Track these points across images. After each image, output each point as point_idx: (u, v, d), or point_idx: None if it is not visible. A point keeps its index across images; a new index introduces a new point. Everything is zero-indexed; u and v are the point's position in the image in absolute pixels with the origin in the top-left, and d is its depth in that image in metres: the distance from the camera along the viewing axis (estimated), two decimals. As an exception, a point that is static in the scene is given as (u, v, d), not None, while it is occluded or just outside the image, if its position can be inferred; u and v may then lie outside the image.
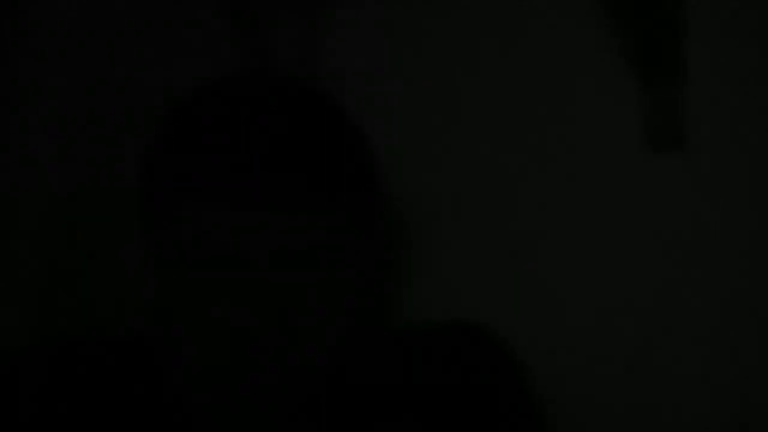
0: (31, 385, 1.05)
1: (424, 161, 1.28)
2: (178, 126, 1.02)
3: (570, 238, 1.25)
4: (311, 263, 0.99)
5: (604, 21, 1.24)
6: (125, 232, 1.26)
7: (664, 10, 1.20)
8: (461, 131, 1.28)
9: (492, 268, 1.26)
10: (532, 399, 1.11)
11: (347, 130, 1.02)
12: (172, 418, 1.05)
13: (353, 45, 1.31)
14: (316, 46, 1.31)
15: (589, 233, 1.25)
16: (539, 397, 1.12)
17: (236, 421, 1.01)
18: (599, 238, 1.24)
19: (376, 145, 1.05)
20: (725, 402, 1.21)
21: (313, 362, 1.00)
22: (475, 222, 1.27)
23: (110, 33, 1.36)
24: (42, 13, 1.35)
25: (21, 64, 1.35)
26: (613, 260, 1.24)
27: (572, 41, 1.25)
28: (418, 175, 1.28)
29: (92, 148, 1.35)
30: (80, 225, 1.34)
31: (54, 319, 1.33)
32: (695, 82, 1.22)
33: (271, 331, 0.97)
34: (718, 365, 1.21)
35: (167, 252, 1.00)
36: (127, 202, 1.11)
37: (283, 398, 1.00)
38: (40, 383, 1.05)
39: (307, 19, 1.31)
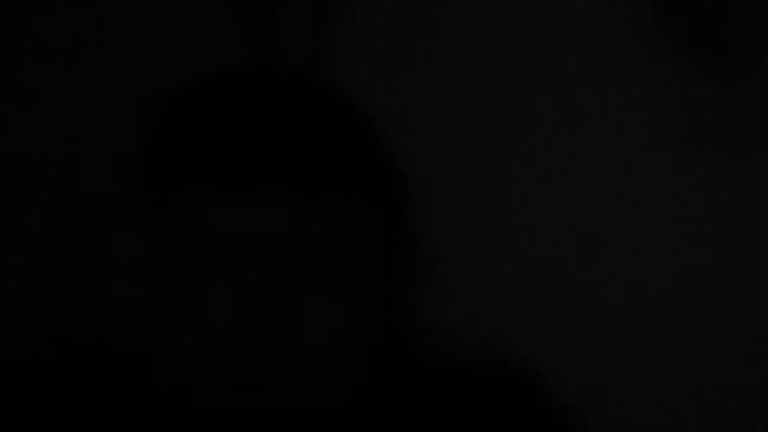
0: (31, 384, 1.05)
1: (430, 158, 1.28)
2: (180, 123, 1.01)
3: (584, 239, 1.25)
4: (315, 260, 0.98)
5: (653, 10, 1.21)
6: (125, 231, 1.26)
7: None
8: (468, 127, 1.28)
9: (500, 266, 1.26)
10: None
11: (352, 126, 1.02)
12: (173, 418, 1.05)
13: (358, 41, 1.31)
14: (319, 43, 1.31)
15: (614, 235, 1.24)
16: None
17: (238, 422, 1.00)
18: (623, 241, 1.24)
19: (379, 141, 1.05)
20: (730, 402, 1.21)
21: (321, 360, 0.99)
22: (484, 220, 1.27)
23: (111, 31, 1.35)
24: (42, 11, 1.35)
25: (20, 62, 1.35)
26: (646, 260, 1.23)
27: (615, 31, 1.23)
28: (424, 172, 1.27)
29: (93, 146, 1.34)
30: (80, 225, 1.34)
31: (54, 319, 1.33)
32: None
33: (277, 329, 0.97)
34: (730, 366, 1.21)
35: (170, 248, 1.00)
36: (127, 201, 1.10)
37: (289, 398, 0.99)
38: (40, 383, 1.05)
39: (309, 15, 1.31)
